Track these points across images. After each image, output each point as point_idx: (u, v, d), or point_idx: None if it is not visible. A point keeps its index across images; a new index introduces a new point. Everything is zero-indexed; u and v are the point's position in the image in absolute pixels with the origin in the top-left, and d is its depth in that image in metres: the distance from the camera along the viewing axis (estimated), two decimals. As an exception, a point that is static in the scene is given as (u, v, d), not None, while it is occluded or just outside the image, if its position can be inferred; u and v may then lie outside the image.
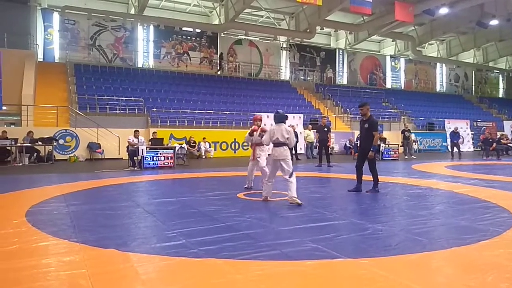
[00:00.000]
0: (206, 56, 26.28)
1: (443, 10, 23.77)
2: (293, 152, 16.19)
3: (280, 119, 6.37)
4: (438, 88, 36.21)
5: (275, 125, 6.35)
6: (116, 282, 2.92)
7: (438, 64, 35.99)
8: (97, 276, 2.96)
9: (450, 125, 24.28)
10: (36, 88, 17.96)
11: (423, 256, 3.51)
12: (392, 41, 31.64)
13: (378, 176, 7.29)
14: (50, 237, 4.08)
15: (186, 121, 18.92)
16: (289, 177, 6.04)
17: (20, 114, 16.72)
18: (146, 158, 12.15)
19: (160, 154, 12.44)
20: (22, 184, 8.30)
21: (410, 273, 3.08)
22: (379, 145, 17.15)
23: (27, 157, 14.02)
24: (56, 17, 22.11)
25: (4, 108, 13.70)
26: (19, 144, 13.85)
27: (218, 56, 26.58)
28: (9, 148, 13.83)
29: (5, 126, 16.29)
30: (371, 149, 7.01)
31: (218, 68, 26.53)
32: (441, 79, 36.59)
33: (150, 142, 13.08)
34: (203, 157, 17.45)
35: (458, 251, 3.65)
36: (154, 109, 18.70)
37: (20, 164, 13.56)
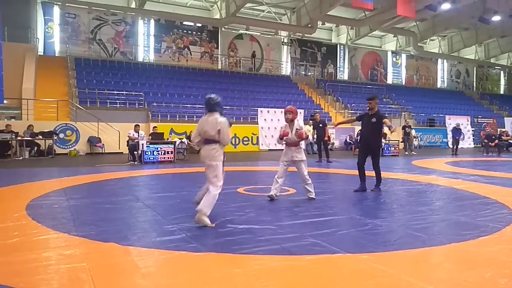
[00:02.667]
0: (207, 51, 26.21)
1: (445, 6, 23.64)
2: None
3: (210, 106, 4.59)
4: (439, 84, 36.13)
5: (205, 115, 4.67)
6: (116, 275, 2.93)
7: (439, 60, 35.87)
8: (97, 269, 2.97)
9: (451, 121, 24.26)
10: (37, 82, 17.93)
11: (422, 251, 3.52)
12: (394, 36, 31.52)
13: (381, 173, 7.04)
14: (51, 230, 4.09)
15: (186, 116, 18.90)
16: (212, 187, 4.45)
17: (20, 107, 16.70)
18: (147, 153, 12.15)
19: (161, 148, 12.44)
20: (22, 178, 8.31)
21: (410, 268, 3.09)
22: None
23: (28, 151, 14.03)
24: (56, 10, 22.04)
25: (5, 102, 13.71)
26: (19, 138, 13.86)
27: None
28: (9, 141, 13.83)
29: (6, 119, 16.28)
30: (389, 127, 6.53)
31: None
32: (442, 75, 36.48)
33: (150, 137, 13.08)
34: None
35: (457, 247, 3.66)
36: (155, 104, 18.68)
37: (21, 158, 13.57)
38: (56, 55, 21.82)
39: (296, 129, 6.05)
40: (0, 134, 13.41)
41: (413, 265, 3.20)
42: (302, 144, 6.29)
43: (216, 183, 4.46)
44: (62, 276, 2.93)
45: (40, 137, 14.45)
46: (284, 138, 6.07)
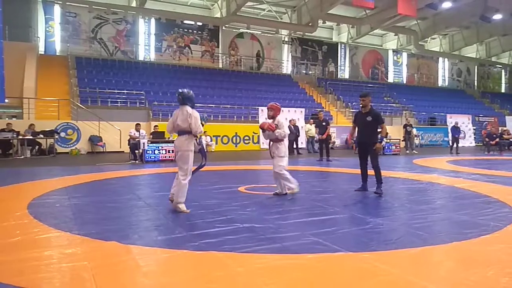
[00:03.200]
0: (208, 50, 26.21)
1: (446, 4, 23.63)
2: (294, 146, 16.17)
3: (181, 100, 5.04)
4: (440, 83, 36.09)
5: (177, 109, 5.10)
6: (117, 274, 2.93)
7: (440, 59, 35.82)
8: (98, 268, 2.98)
9: (452, 119, 24.23)
10: (38, 81, 17.95)
11: (424, 250, 3.51)
12: (395, 35, 31.49)
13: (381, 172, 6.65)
14: (52, 229, 4.09)
15: (187, 115, 18.87)
16: (181, 175, 4.94)
17: (21, 107, 16.73)
18: (148, 152, 12.16)
19: (162, 147, 12.45)
20: (24, 177, 8.33)
21: (411, 267, 3.09)
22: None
23: (29, 149, 14.06)
24: (57, 9, 22.04)
25: (6, 101, 13.74)
26: (20, 137, 13.88)
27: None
28: (11, 140, 13.86)
29: (7, 119, 16.32)
30: (379, 140, 6.52)
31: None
32: (443, 73, 36.44)
33: (151, 136, 13.09)
34: (206, 151, 17.43)
35: (459, 245, 3.65)
36: (156, 103, 18.68)
37: (22, 157, 13.59)
38: (57, 54, 21.82)
39: (276, 125, 6.19)
40: (1, 133, 13.44)
41: (415, 264, 3.20)
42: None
43: (186, 171, 4.97)
44: (64, 274, 2.93)
45: (42, 136, 14.47)
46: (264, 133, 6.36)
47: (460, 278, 2.85)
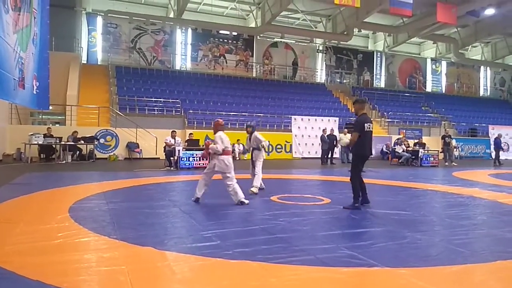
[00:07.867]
0: (242, 59, 26.51)
1: (489, 11, 22.71)
2: (329, 156, 15.98)
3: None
4: (481, 93, 34.69)
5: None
6: (153, 279, 2.99)
7: (482, 68, 34.48)
8: (135, 273, 3.05)
9: (495, 131, 23.21)
10: (80, 89, 18.76)
11: (465, 268, 3.36)
12: (433, 43, 30.60)
13: (360, 190, 6.07)
14: (91, 233, 4.24)
15: (221, 123, 19.09)
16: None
17: (64, 113, 17.52)
18: (182, 159, 12.39)
19: (196, 155, 12.65)
20: (65, 181, 8.69)
21: (452, 285, 2.97)
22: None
23: (70, 155, 14.67)
24: (99, 20, 23.06)
25: (50, 108, 14.49)
26: (63, 143, 14.52)
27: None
28: (54, 146, 14.55)
29: (51, 125, 17.15)
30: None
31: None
32: (485, 83, 35.03)
33: (186, 143, 13.33)
34: (237, 158, 17.54)
35: (504, 264, 3.47)
36: (191, 111, 19.04)
37: (64, 162, 14.20)
38: (99, 63, 22.77)
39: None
40: (45, 138, 14.12)
41: (455, 282, 3.06)
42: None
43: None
44: (103, 278, 3.03)
45: (82, 142, 15.06)
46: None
47: (505, 300, 2.71)
